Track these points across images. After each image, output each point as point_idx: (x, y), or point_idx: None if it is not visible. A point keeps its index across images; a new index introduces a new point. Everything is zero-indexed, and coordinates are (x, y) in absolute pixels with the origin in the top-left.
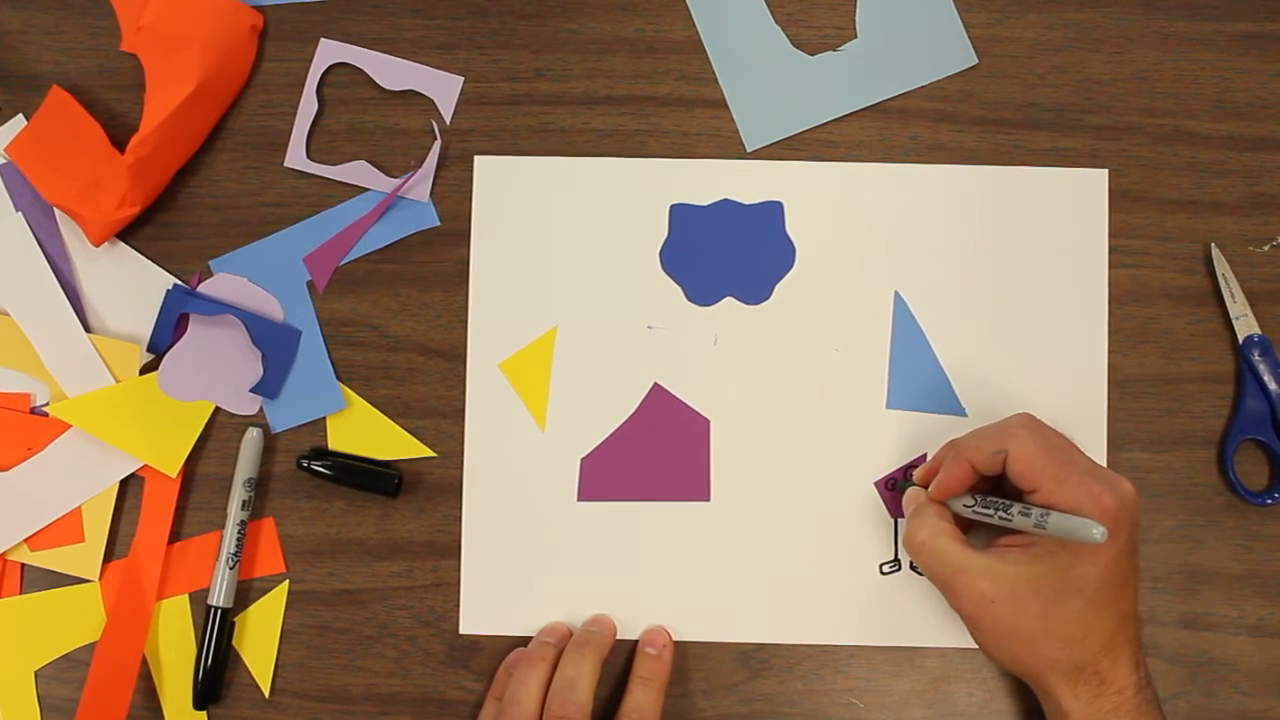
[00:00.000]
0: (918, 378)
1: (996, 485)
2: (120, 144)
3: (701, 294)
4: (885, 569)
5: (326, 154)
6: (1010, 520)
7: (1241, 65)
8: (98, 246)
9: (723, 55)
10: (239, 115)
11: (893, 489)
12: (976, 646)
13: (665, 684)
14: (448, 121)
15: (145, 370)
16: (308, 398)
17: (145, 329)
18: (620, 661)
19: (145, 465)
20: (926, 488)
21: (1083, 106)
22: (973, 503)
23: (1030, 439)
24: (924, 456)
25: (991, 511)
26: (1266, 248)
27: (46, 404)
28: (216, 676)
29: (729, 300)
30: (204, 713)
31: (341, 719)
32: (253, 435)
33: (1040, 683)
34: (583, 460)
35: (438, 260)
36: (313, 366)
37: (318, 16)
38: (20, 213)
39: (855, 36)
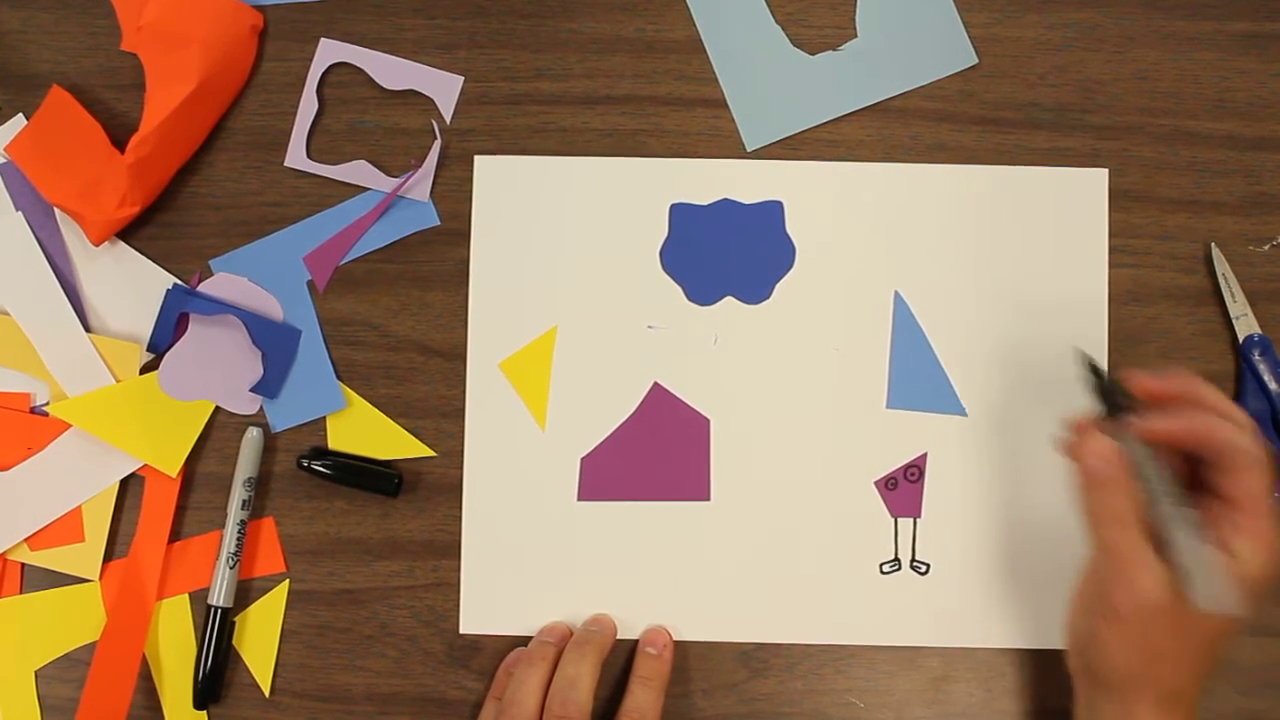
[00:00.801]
0: (918, 378)
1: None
2: (120, 144)
3: (701, 294)
4: (885, 569)
5: (326, 154)
6: (1157, 506)
7: (1241, 65)
8: (98, 246)
9: (723, 55)
10: (239, 115)
11: (892, 489)
12: (975, 646)
13: (665, 684)
14: (448, 121)
15: (145, 370)
16: (308, 397)
17: (145, 329)
18: (620, 661)
19: (145, 465)
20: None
21: (1083, 106)
22: (1155, 471)
23: (1267, 476)
24: (924, 457)
25: (1148, 484)
26: (1266, 247)
27: (46, 404)
28: (216, 676)
29: (729, 300)
30: (204, 712)
31: (341, 719)
32: (253, 435)
33: (1129, 699)
34: (583, 460)
35: (438, 260)
36: (313, 366)
37: (318, 16)
38: (20, 213)
39: (855, 36)
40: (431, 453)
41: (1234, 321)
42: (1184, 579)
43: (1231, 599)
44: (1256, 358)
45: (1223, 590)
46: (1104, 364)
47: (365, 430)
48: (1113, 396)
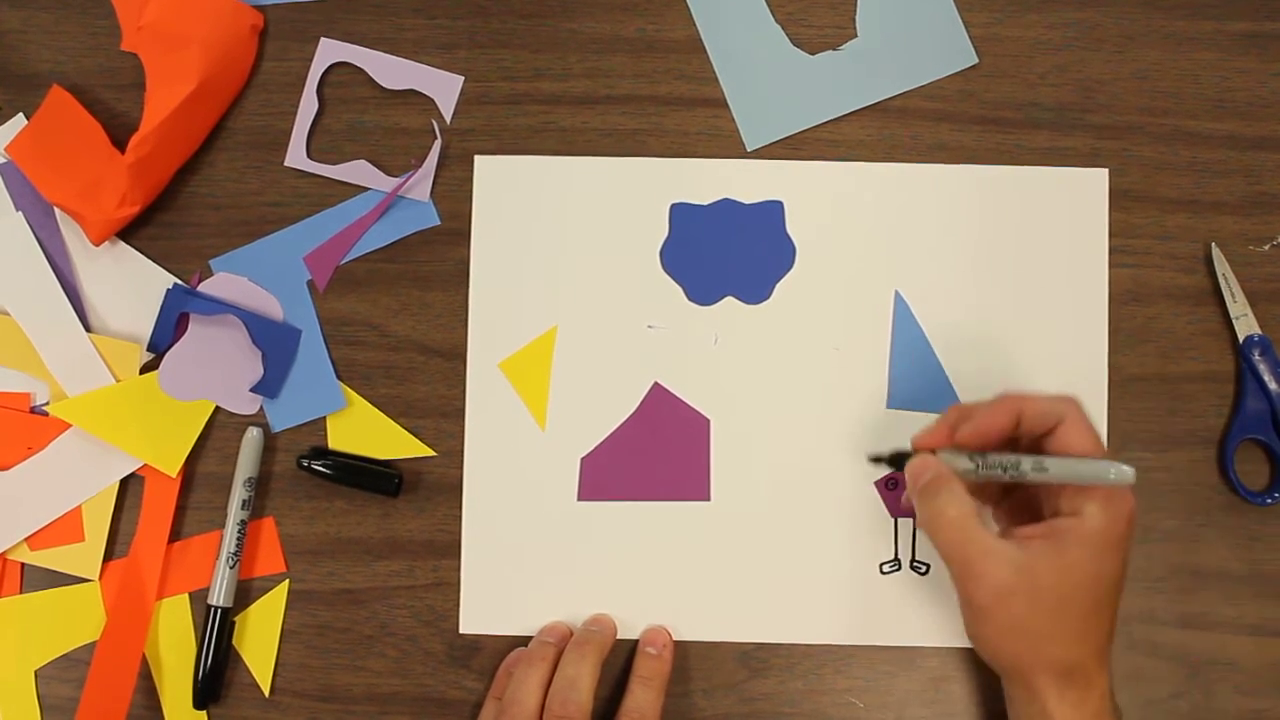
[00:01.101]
0: (918, 378)
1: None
2: (120, 143)
3: (701, 293)
4: (885, 569)
5: (326, 154)
6: (1022, 474)
7: (1241, 65)
8: (98, 246)
9: (723, 55)
10: (239, 115)
11: (892, 489)
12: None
13: (665, 684)
14: (448, 121)
15: (145, 370)
16: (308, 397)
17: (145, 328)
18: (620, 661)
19: (145, 465)
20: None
21: (1083, 106)
22: (975, 465)
23: (1084, 415)
24: None
25: (1000, 469)
26: (1266, 247)
27: (46, 404)
28: (216, 676)
29: (729, 300)
30: (204, 712)
31: (341, 719)
32: (253, 435)
33: (1029, 681)
34: (583, 460)
35: (438, 260)
36: (313, 366)
37: (318, 16)
38: (20, 212)
39: (855, 36)
40: (431, 453)
41: (1234, 321)
42: (1094, 486)
43: (1113, 465)
44: (1256, 358)
45: (1104, 464)
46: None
47: (365, 430)
48: (902, 457)
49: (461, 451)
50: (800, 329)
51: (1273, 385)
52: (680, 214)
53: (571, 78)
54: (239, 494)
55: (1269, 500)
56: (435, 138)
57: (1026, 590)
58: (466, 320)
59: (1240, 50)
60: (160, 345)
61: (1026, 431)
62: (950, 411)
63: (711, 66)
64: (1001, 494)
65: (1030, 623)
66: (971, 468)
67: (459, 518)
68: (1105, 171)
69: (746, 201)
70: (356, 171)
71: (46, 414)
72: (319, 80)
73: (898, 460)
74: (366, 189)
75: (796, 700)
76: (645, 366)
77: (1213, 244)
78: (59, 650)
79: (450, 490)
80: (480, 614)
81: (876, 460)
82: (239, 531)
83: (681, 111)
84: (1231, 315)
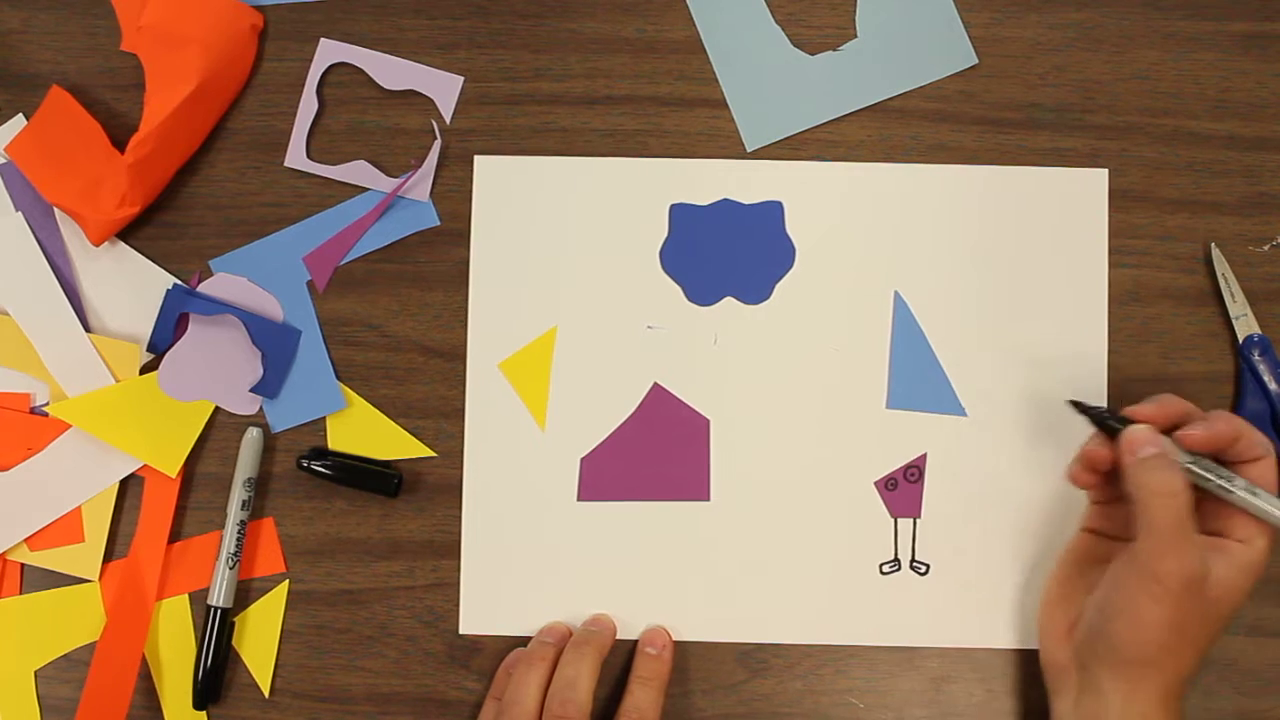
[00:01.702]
0: (918, 378)
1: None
2: (120, 144)
3: (701, 294)
4: (885, 569)
5: (326, 154)
6: (1230, 491)
7: (1241, 65)
8: (98, 246)
9: (723, 55)
10: (239, 115)
11: (892, 489)
12: (975, 646)
13: (665, 684)
14: (448, 121)
15: (145, 370)
16: (308, 397)
17: (145, 329)
18: (620, 661)
19: (145, 465)
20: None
21: (1083, 106)
22: (1193, 461)
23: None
24: (924, 457)
25: (1213, 477)
26: (1266, 248)
27: (46, 404)
28: (216, 676)
29: (729, 300)
30: (204, 713)
31: (341, 719)
32: (253, 435)
33: (1131, 680)
34: (583, 460)
35: (438, 260)
36: (313, 366)
37: (318, 16)
38: (20, 213)
39: (855, 36)
40: (431, 453)
41: (1234, 321)
42: (1265, 523)
43: None
44: (1256, 358)
45: None
46: (1097, 400)
47: (365, 430)
48: (1111, 423)
49: (461, 452)
50: (800, 329)
51: (1273, 385)
52: (680, 214)
53: (571, 78)
54: (239, 494)
55: None
56: (435, 138)
57: (1202, 594)
58: (466, 320)
59: (1240, 50)
60: (160, 346)
61: (1234, 454)
62: (1169, 400)
63: (711, 67)
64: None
65: (1188, 621)
66: (1187, 462)
67: (459, 518)
68: (1105, 172)
69: (746, 202)
70: (356, 172)
71: (46, 414)
72: (319, 80)
73: (1100, 420)
74: (366, 189)
75: (796, 700)
76: (645, 367)
77: (1212, 244)
78: (59, 650)
79: (450, 491)
80: (480, 614)
81: (1077, 406)
82: (239, 532)
83: (681, 112)
84: (1231, 315)
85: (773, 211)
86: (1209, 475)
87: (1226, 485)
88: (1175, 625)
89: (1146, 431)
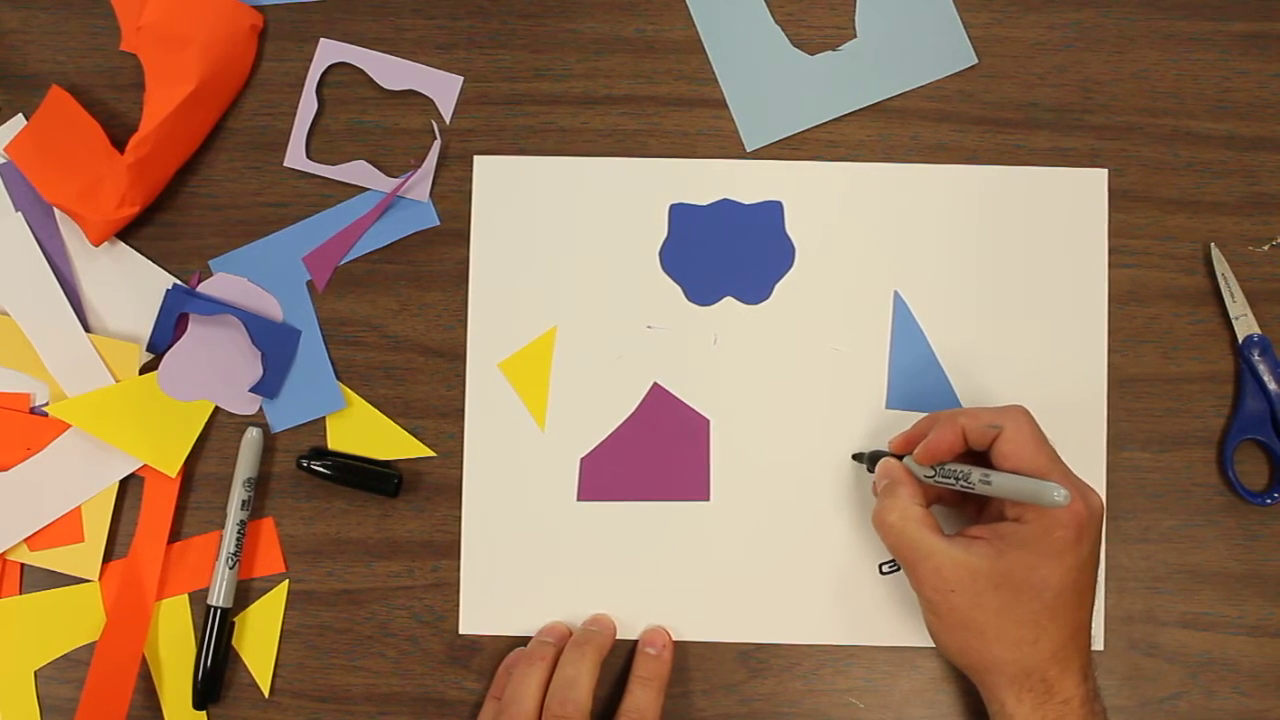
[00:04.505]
0: (918, 378)
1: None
2: (120, 144)
3: (701, 294)
4: (885, 569)
5: (326, 154)
6: (970, 486)
7: (1241, 65)
8: (98, 246)
9: (723, 55)
10: (239, 115)
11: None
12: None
13: (665, 684)
14: (448, 121)
15: (145, 370)
16: (307, 397)
17: (145, 329)
18: (620, 661)
19: (145, 465)
20: (899, 459)
21: (1083, 106)
22: (933, 472)
23: (1026, 425)
24: None
25: (953, 479)
26: (1266, 248)
27: (46, 404)
28: (216, 676)
29: (729, 300)
30: (204, 713)
31: (341, 719)
32: (253, 435)
33: (985, 681)
34: (583, 460)
35: (438, 260)
36: (312, 366)
37: (318, 16)
38: (20, 213)
39: (855, 36)
40: (431, 453)
41: (1234, 321)
42: (1032, 504)
43: (1050, 488)
44: (1256, 358)
45: (1041, 485)
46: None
47: (365, 430)
48: (879, 455)
49: (461, 452)
50: (800, 329)
51: (1272, 385)
52: (680, 214)
53: (571, 78)
54: (238, 494)
55: (1269, 500)
56: (435, 138)
57: (967, 587)
58: (466, 320)
59: (1240, 50)
60: (160, 345)
61: (974, 446)
62: (924, 419)
63: (711, 66)
64: (970, 499)
65: (973, 619)
66: (930, 474)
67: (459, 518)
68: (1105, 172)
69: (746, 202)
70: (356, 172)
71: (46, 414)
72: (319, 80)
73: (875, 461)
74: (366, 189)
75: (796, 700)
76: (645, 367)
77: (1212, 244)
78: (59, 650)
79: (450, 490)
80: (480, 614)
81: (858, 459)
82: (239, 532)
83: (681, 111)
84: (1231, 315)
85: (773, 211)
86: (949, 480)
87: (965, 483)
88: (965, 630)
89: (882, 465)
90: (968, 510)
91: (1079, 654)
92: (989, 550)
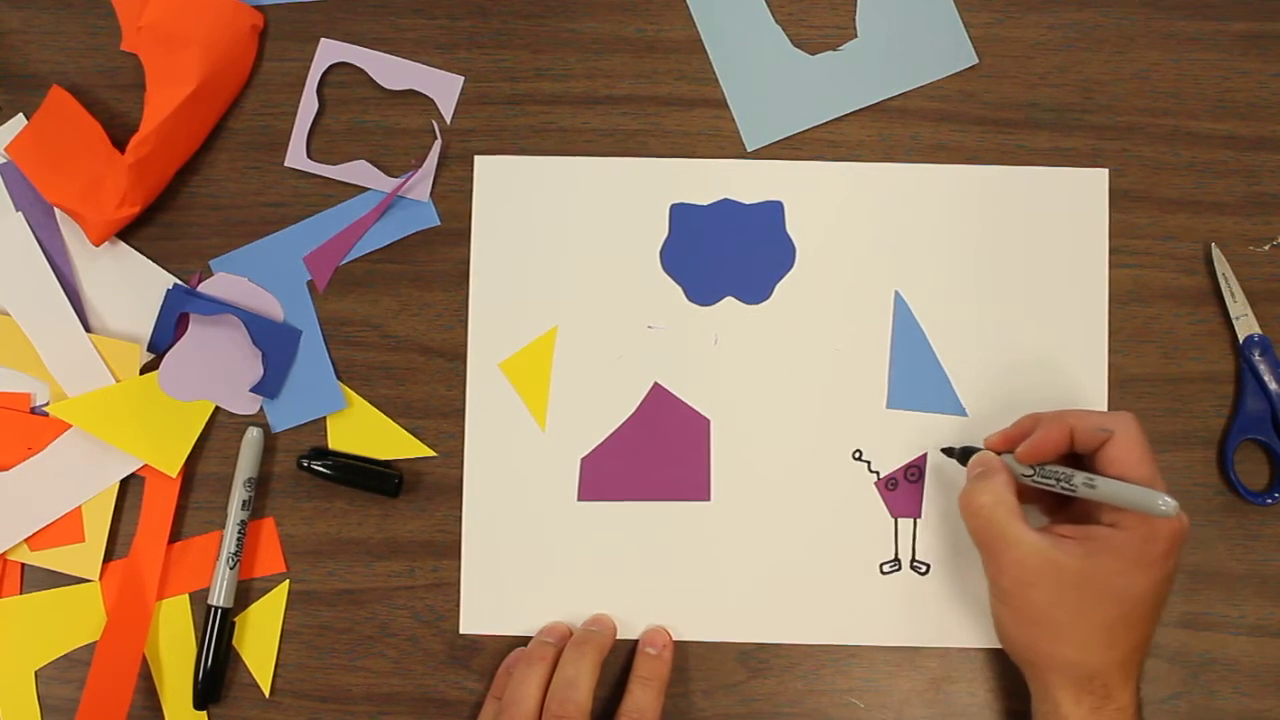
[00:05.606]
0: (918, 378)
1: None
2: (120, 144)
3: (701, 294)
4: (885, 569)
5: (326, 154)
6: (1073, 489)
7: (1241, 65)
8: (98, 246)
9: (723, 55)
10: (239, 115)
11: (892, 489)
12: (975, 646)
13: (665, 684)
14: (448, 121)
15: (145, 370)
16: (308, 397)
17: (145, 329)
18: (620, 661)
19: (145, 465)
20: (996, 454)
21: (1083, 106)
22: (1032, 472)
23: (1136, 432)
24: (924, 457)
25: (1053, 480)
26: (1266, 247)
27: (46, 404)
28: (216, 676)
29: (729, 300)
30: (204, 713)
31: (341, 719)
32: (253, 435)
33: (1045, 679)
34: (583, 460)
35: (438, 260)
36: (313, 366)
37: (318, 16)
38: (20, 213)
39: (855, 36)
40: (431, 453)
41: (1234, 321)
42: (1134, 511)
43: (1157, 496)
44: (1256, 358)
45: (1148, 494)
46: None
47: (365, 430)
48: (970, 452)
49: (461, 452)
50: (800, 329)
51: (1273, 385)
52: (680, 214)
53: (571, 78)
54: (239, 494)
55: (1269, 500)
56: (435, 138)
57: (1050, 582)
58: (466, 320)
59: (1240, 50)
60: (160, 345)
61: (1079, 448)
62: (1026, 418)
63: (711, 66)
64: (1058, 501)
65: (1050, 616)
66: (1029, 474)
67: (459, 518)
68: (1105, 172)
69: (746, 202)
70: (356, 172)
71: (46, 414)
72: (319, 80)
73: (967, 455)
74: (366, 189)
75: (796, 700)
76: (645, 366)
77: (1213, 244)
78: (59, 650)
79: (450, 490)
80: (480, 614)
81: (947, 453)
82: (239, 532)
83: (681, 111)
84: (1231, 315)
85: (773, 211)
86: (1049, 480)
87: (1067, 485)
88: (1035, 623)
89: (980, 455)
90: (1044, 509)
91: (1138, 666)
92: (1078, 550)
